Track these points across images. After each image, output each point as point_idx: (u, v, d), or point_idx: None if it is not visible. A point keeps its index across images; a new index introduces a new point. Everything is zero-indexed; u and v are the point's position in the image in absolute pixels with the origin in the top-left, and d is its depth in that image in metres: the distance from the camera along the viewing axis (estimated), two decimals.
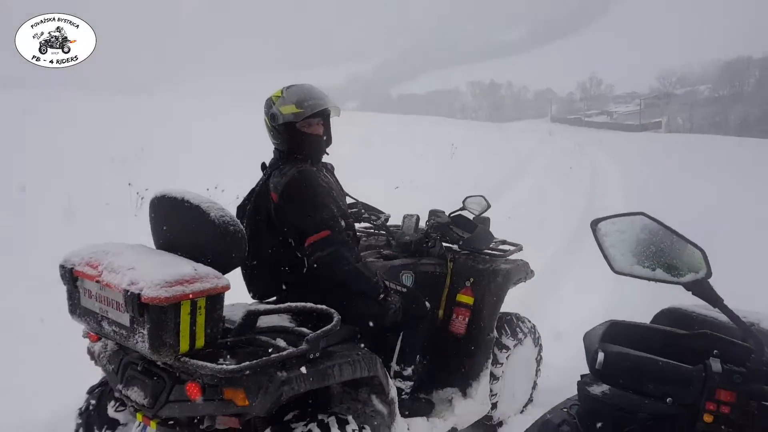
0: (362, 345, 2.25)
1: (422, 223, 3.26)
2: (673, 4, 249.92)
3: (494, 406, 2.92)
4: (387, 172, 11.38)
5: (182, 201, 1.91)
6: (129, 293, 1.60)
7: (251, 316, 1.89)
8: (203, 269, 1.73)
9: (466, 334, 2.86)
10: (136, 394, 1.80)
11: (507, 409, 3.03)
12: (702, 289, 1.10)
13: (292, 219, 2.35)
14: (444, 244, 3.18)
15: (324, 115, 2.50)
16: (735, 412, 1.04)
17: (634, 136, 37.85)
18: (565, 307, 4.75)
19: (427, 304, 2.67)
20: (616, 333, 1.25)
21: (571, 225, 8.00)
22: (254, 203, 2.46)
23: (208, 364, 1.62)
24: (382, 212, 3.43)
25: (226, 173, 7.45)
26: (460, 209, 3.36)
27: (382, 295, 2.36)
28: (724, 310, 1.10)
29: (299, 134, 2.43)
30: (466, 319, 2.88)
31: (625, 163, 17.47)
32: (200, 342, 1.70)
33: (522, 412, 3.17)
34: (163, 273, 1.64)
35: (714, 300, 1.10)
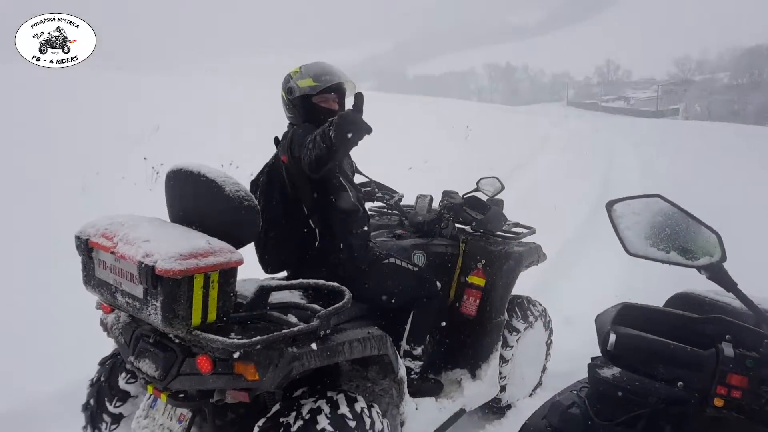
0: (374, 324, 2.26)
1: (435, 204, 3.25)
2: None
3: (503, 388, 2.93)
4: (401, 153, 11.33)
5: (198, 175, 1.91)
6: (143, 265, 1.61)
7: (263, 292, 1.91)
8: (217, 243, 1.74)
9: (476, 315, 2.87)
10: (147, 366, 1.82)
11: (516, 392, 3.04)
12: (716, 272, 1.09)
13: (298, 165, 2.29)
14: (457, 225, 3.17)
15: (340, 92, 2.52)
16: (746, 397, 1.03)
17: (651, 123, 37.25)
18: (576, 291, 4.74)
19: (438, 284, 2.68)
20: (628, 315, 1.24)
21: (585, 209, 7.95)
22: (268, 176, 2.48)
23: (220, 338, 1.63)
24: (396, 191, 3.43)
25: (241, 150, 7.46)
26: (474, 190, 3.35)
27: (330, 131, 2.01)
28: (739, 294, 1.08)
29: (314, 108, 2.45)
30: (477, 301, 2.89)
31: (641, 150, 17.24)
32: (212, 316, 1.71)
33: (531, 395, 3.18)
34: (177, 246, 1.65)
35: (728, 284, 1.09)
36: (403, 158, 10.67)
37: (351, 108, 2.05)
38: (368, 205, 3.45)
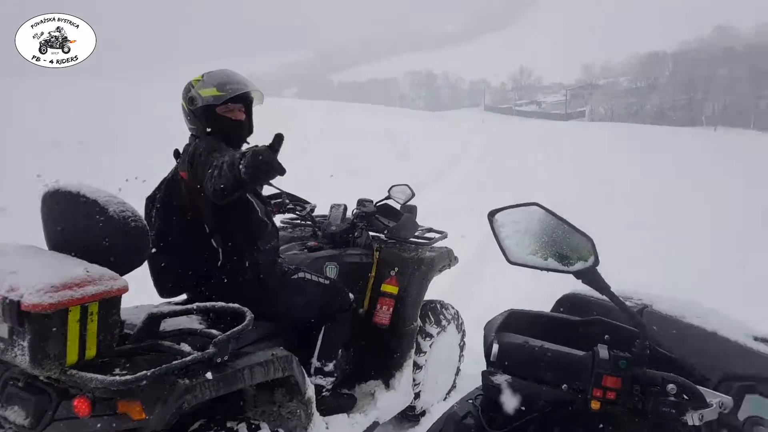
0: (282, 343, 2.18)
1: (351, 213, 3.22)
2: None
3: (417, 395, 2.93)
4: (323, 160, 11.28)
5: (78, 195, 1.76)
6: (7, 300, 1.45)
7: (153, 319, 1.78)
8: (97, 270, 1.61)
9: (390, 324, 2.85)
10: (15, 415, 1.62)
11: (430, 397, 3.05)
12: (590, 277, 1.11)
13: (199, 183, 2.16)
14: (372, 233, 3.15)
15: (246, 102, 2.41)
16: (620, 397, 1.06)
17: (560, 125, 39.53)
18: (491, 292, 4.85)
19: (351, 295, 2.64)
20: (514, 322, 1.25)
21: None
22: (165, 192, 2.34)
23: (99, 376, 1.49)
24: (308, 202, 3.36)
25: (150, 163, 7.09)
26: (386, 198, 3.34)
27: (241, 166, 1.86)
28: (611, 296, 1.11)
29: (219, 118, 2.33)
30: (390, 309, 2.87)
31: (551, 150, 18.20)
32: (92, 351, 1.57)
33: (445, 399, 3.20)
34: (48, 276, 1.50)
35: (602, 287, 1.11)
36: (325, 165, 10.62)
37: (268, 146, 1.89)
38: (279, 218, 3.36)
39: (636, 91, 70.12)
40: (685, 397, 1.05)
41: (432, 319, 3.05)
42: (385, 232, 3.11)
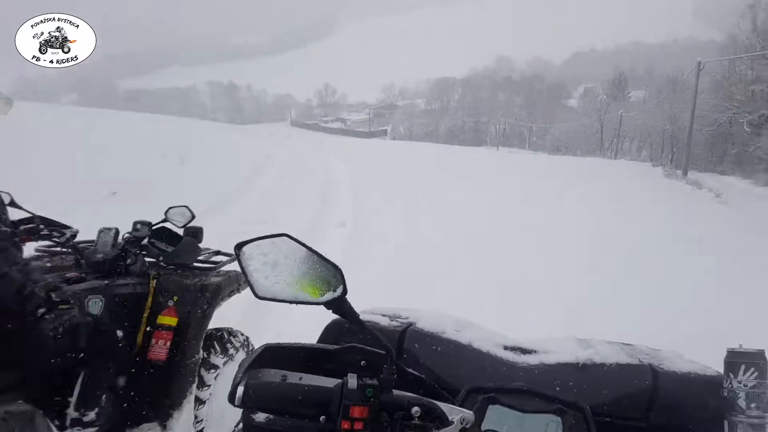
0: (24, 395, 1.84)
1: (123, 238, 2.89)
2: (394, 25, 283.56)
3: None
4: (106, 176, 10.16)
5: None
6: None
7: None
8: None
9: (167, 359, 2.61)
10: None
11: None
12: (340, 306, 1.10)
13: None
14: (149, 260, 2.87)
15: None
16: (368, 426, 1.02)
17: (364, 142, 41.82)
18: (292, 312, 4.81)
19: (119, 333, 2.37)
20: (269, 357, 1.20)
21: (302, 226, 8.27)
22: None
23: None
24: (68, 227, 2.94)
25: None
26: (163, 221, 3.09)
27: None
28: (359, 324, 1.12)
29: None
30: (168, 343, 2.62)
31: (353, 164, 19.10)
32: None
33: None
34: None
35: (351, 316, 1.12)
36: (106, 181, 9.58)
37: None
38: (33, 246, 2.90)
39: (431, 112, 77.53)
40: (429, 417, 1.04)
41: (218, 348, 2.87)
42: (160, 258, 2.86)
